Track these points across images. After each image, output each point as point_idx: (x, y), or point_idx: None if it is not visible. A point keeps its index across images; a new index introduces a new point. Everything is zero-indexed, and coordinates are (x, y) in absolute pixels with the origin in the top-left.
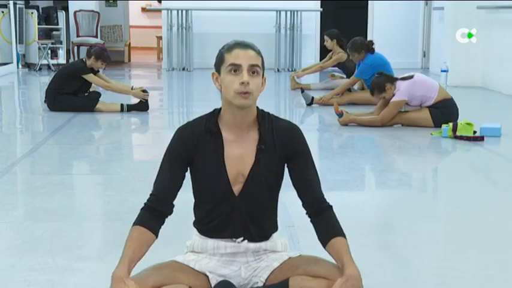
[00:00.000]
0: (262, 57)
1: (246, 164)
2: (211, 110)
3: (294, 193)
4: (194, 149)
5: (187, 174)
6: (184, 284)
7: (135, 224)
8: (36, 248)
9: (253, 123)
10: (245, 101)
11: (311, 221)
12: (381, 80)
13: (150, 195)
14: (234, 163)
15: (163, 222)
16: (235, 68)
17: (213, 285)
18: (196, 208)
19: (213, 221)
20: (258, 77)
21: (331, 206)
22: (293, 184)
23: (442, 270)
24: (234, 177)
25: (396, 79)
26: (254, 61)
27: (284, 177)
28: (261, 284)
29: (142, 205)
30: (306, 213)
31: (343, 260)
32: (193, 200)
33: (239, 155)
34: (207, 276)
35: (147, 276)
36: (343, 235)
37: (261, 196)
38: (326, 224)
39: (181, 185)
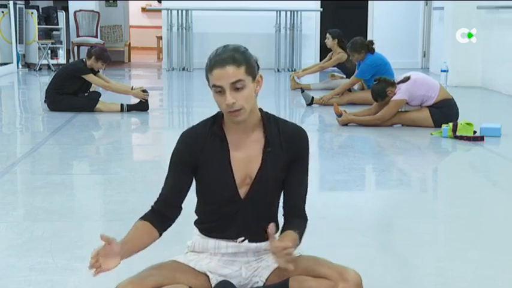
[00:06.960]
0: (246, 63)
1: (252, 167)
2: (211, 110)
3: None
4: (199, 153)
5: None
6: (184, 284)
7: (140, 219)
8: (36, 248)
9: (258, 125)
10: (238, 118)
11: (284, 220)
12: (381, 87)
13: (157, 199)
14: (240, 166)
15: (169, 225)
16: (219, 90)
17: (213, 285)
18: (200, 209)
19: (216, 222)
20: (244, 90)
21: (307, 219)
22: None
23: (442, 270)
24: (241, 181)
25: (395, 82)
26: (234, 77)
27: None
28: (261, 284)
29: (150, 207)
30: (283, 214)
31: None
32: (196, 200)
33: (245, 158)
34: (208, 276)
35: (147, 276)
36: (299, 234)
37: (267, 198)
38: (293, 225)
39: (188, 189)
